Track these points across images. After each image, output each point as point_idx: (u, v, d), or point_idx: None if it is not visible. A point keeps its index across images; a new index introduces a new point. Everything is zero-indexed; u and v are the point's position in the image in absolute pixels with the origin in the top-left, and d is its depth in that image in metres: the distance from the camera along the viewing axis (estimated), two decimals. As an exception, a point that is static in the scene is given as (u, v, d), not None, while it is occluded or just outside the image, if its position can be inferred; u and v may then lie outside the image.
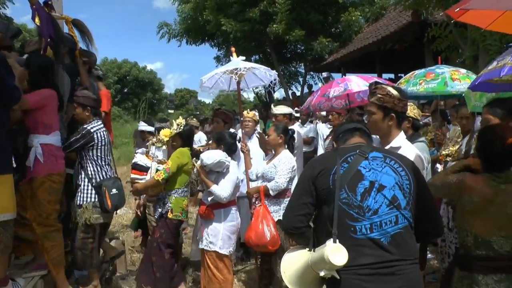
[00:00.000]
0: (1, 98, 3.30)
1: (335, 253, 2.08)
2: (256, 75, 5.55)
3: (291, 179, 4.63)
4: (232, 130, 5.76)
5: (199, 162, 4.49)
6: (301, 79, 23.85)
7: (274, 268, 4.68)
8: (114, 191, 4.29)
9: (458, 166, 2.87)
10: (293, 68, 23.24)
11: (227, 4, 16.25)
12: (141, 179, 4.72)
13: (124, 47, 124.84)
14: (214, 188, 4.32)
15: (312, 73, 20.88)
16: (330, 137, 5.95)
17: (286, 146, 4.82)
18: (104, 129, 4.52)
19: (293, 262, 2.42)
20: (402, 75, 16.21)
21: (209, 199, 4.38)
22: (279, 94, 26.41)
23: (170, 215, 4.50)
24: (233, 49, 5.65)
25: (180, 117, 5.23)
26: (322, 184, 2.29)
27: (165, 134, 4.84)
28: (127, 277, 5.56)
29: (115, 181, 4.40)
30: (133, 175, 4.78)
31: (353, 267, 2.12)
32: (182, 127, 4.83)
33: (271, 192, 4.54)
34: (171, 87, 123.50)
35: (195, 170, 4.65)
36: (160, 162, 4.76)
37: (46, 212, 3.78)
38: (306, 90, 18.63)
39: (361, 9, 16.47)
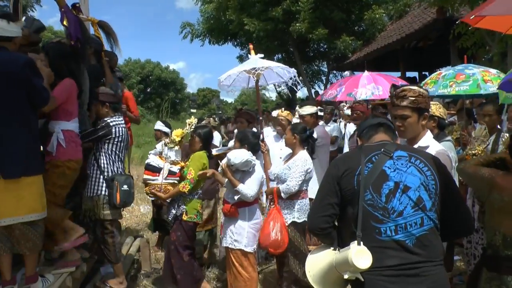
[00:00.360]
0: (30, 101, 3.38)
1: (359, 256, 2.06)
2: (275, 72, 5.53)
3: (304, 181, 4.59)
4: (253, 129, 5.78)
5: (224, 161, 4.49)
6: (323, 78, 23.84)
7: (293, 269, 4.68)
8: (125, 187, 4.34)
9: (493, 157, 2.78)
10: (315, 67, 23.23)
11: (250, 3, 16.28)
12: (153, 180, 4.71)
13: (147, 48, 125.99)
14: (241, 187, 4.31)
15: (335, 71, 20.79)
16: (355, 136, 5.90)
17: (304, 146, 4.78)
18: (123, 125, 4.59)
19: (317, 262, 2.40)
20: (427, 73, 16.03)
21: (236, 197, 4.39)
22: (301, 93, 26.45)
23: (184, 217, 4.54)
24: (251, 46, 5.62)
25: (192, 116, 5.21)
26: (347, 184, 2.26)
27: (177, 134, 4.85)
28: (152, 275, 5.61)
29: (128, 178, 4.46)
30: (145, 176, 4.76)
31: (378, 269, 2.10)
32: (193, 127, 4.84)
33: (282, 194, 4.54)
34: (194, 87, 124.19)
35: (220, 169, 4.65)
36: (173, 163, 4.77)
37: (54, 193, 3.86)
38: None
39: (384, 7, 16.29)
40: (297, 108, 6.81)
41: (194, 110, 39.88)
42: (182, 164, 4.80)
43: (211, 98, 52.03)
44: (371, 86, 6.61)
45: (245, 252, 4.36)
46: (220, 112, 34.87)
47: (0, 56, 3.33)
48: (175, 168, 4.75)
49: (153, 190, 4.66)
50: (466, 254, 4.54)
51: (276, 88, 26.47)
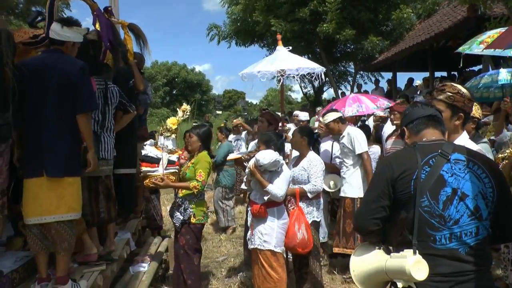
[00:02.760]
0: (77, 105, 3.46)
1: (417, 267, 2.02)
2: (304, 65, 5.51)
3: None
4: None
5: (251, 162, 4.49)
6: (350, 79, 23.64)
7: (314, 270, 4.69)
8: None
9: None
10: (342, 68, 23.05)
11: (277, 4, 16.27)
12: (153, 171, 4.64)
13: (174, 50, 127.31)
14: (270, 187, 4.31)
15: (361, 72, 20.61)
16: (394, 137, 5.80)
17: (311, 148, 4.88)
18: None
19: (364, 263, 2.35)
20: (456, 73, 15.75)
21: (266, 198, 4.38)
22: (327, 94, 26.26)
23: (193, 220, 4.54)
24: (279, 36, 5.53)
25: (184, 103, 5.16)
26: (402, 188, 2.18)
27: (172, 122, 4.84)
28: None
29: None
30: (144, 168, 4.68)
31: (429, 275, 2.05)
32: (187, 114, 4.82)
33: (309, 194, 4.64)
34: (219, 89, 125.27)
35: (246, 170, 4.65)
36: (170, 151, 4.74)
37: None
38: (356, 89, 18.38)
39: (412, 6, 16.04)
40: (320, 119, 6.76)
41: (219, 112, 40.02)
42: (180, 152, 4.79)
43: (236, 100, 52.21)
44: (356, 105, 7.55)
45: (275, 253, 4.36)
46: (246, 113, 34.93)
47: (58, 58, 3.50)
48: (174, 157, 4.75)
49: (155, 181, 4.62)
50: (503, 259, 4.43)
51: (302, 89, 26.50)
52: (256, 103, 52.54)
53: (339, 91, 19.70)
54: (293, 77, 5.17)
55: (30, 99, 3.39)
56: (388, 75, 17.67)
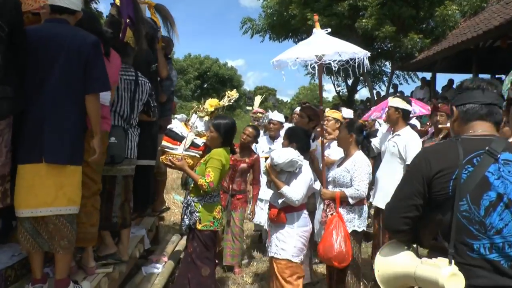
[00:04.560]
0: (87, 84, 3.06)
1: (452, 280, 1.82)
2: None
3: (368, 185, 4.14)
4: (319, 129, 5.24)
5: (268, 161, 4.01)
6: (385, 79, 22.81)
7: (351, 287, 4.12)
8: (112, 139, 3.76)
9: None
10: (377, 67, 22.26)
11: (314, -1, 15.72)
12: (172, 149, 4.13)
13: (208, 45, 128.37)
14: (285, 189, 3.85)
15: (397, 72, 19.76)
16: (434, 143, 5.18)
17: (360, 147, 4.28)
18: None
19: (391, 265, 2.18)
20: (502, 76, 14.83)
21: (280, 201, 3.91)
22: (358, 95, 25.44)
23: (198, 226, 3.93)
24: (316, 17, 4.91)
25: (234, 90, 4.59)
26: (439, 188, 1.96)
27: (211, 104, 4.27)
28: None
29: (117, 129, 3.84)
30: (164, 143, 4.18)
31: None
32: (232, 100, 4.31)
33: (350, 200, 4.04)
34: (251, 85, 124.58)
35: (263, 169, 4.15)
36: (198, 134, 4.20)
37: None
38: (391, 90, 17.65)
39: (457, 2, 15.16)
40: (389, 98, 6.14)
41: (250, 108, 39.58)
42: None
43: (267, 97, 51.83)
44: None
45: (292, 263, 3.90)
46: (276, 110, 34.43)
47: (67, 30, 3.03)
48: (200, 141, 4.21)
49: (171, 159, 4.07)
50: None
51: (335, 87, 25.78)
52: (287, 100, 52.18)
53: (374, 91, 18.96)
54: (334, 65, 4.55)
55: (33, 73, 2.96)
56: (427, 75, 16.81)
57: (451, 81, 15.12)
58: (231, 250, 5.52)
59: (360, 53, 4.53)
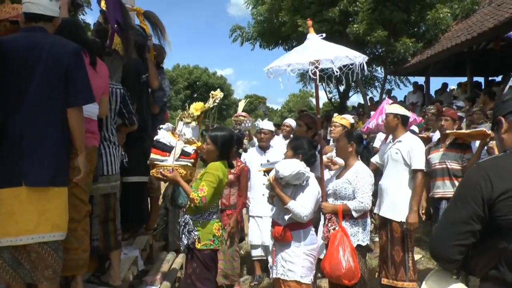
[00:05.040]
0: (68, 97, 2.78)
1: None
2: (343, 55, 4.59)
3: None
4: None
5: (272, 173, 3.72)
6: (377, 84, 22.66)
7: None
8: None
9: None
10: (369, 73, 22.11)
11: (304, 4, 15.53)
12: (162, 161, 3.86)
13: (197, 54, 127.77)
14: (292, 204, 3.55)
15: (389, 77, 19.60)
16: (442, 149, 4.91)
17: (359, 157, 4.08)
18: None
19: None
20: (496, 78, 14.73)
21: (286, 217, 3.61)
22: (349, 102, 25.23)
23: (198, 246, 3.63)
24: (310, 22, 4.66)
25: (218, 89, 4.29)
26: (505, 212, 1.67)
27: (196, 108, 3.98)
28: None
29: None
30: (153, 155, 3.91)
31: None
32: (217, 101, 4.02)
33: (354, 213, 3.84)
34: (241, 93, 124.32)
35: (266, 183, 3.86)
36: (187, 141, 3.92)
37: None
38: (384, 95, 17.47)
39: (449, 6, 15.03)
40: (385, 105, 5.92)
41: (241, 117, 39.47)
42: (199, 144, 3.98)
43: (257, 105, 51.90)
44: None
45: (301, 284, 3.60)
46: (267, 118, 34.28)
47: (45, 39, 2.75)
48: (190, 148, 3.92)
49: (162, 172, 3.76)
50: None
51: (326, 94, 25.59)
52: (277, 108, 52.20)
53: (367, 97, 18.79)
54: (332, 71, 4.30)
55: (9, 87, 2.67)
56: (420, 79, 16.63)
57: (445, 85, 15.01)
58: (222, 271, 5.18)
59: (358, 58, 4.30)
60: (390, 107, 4.81)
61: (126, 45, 3.80)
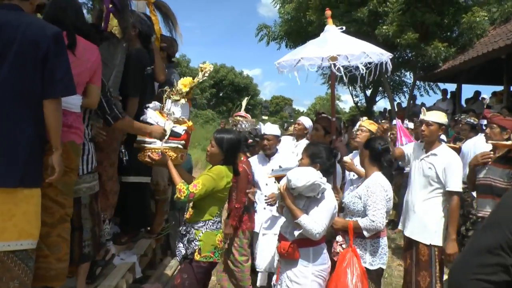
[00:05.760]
0: (45, 87, 2.42)
1: None
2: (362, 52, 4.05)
3: (386, 213, 3.47)
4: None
5: (282, 182, 3.30)
6: (405, 89, 21.95)
7: None
8: None
9: None
10: (397, 77, 21.45)
11: (333, 4, 15.01)
12: (150, 143, 3.49)
13: (226, 54, 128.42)
14: (304, 219, 3.12)
15: (418, 83, 18.86)
16: (490, 163, 4.21)
17: (380, 168, 3.59)
18: None
19: None
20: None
21: (296, 233, 3.18)
22: (376, 107, 24.57)
23: (197, 257, 3.32)
24: (328, 12, 4.24)
25: (207, 62, 3.76)
26: None
27: (184, 83, 3.53)
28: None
29: None
30: (140, 137, 3.55)
31: None
32: (206, 75, 3.60)
33: (365, 232, 3.39)
34: (267, 94, 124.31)
35: (276, 191, 3.44)
36: (177, 121, 3.56)
37: None
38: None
39: (486, 9, 14.30)
40: (423, 110, 5.37)
41: (265, 117, 39.22)
42: (189, 124, 3.58)
43: (283, 106, 51.56)
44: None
45: None
46: (292, 120, 33.83)
47: (20, 19, 2.37)
48: (180, 129, 3.54)
49: (150, 154, 3.41)
50: None
51: (353, 98, 24.99)
52: (303, 110, 51.74)
53: (395, 102, 18.17)
54: (354, 69, 3.89)
55: None
56: (451, 86, 15.98)
57: (477, 93, 14.28)
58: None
59: (382, 56, 3.88)
60: (431, 114, 4.08)
61: (123, 26, 3.42)
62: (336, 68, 3.76)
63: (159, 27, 4.73)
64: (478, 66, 13.40)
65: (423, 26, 14.27)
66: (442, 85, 18.30)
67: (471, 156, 4.94)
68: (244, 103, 5.12)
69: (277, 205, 3.56)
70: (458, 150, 6.49)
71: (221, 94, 48.57)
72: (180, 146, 3.55)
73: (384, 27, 13.71)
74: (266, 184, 4.48)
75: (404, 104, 18.11)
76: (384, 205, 3.39)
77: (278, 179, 3.59)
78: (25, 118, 2.37)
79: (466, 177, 4.52)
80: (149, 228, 4.91)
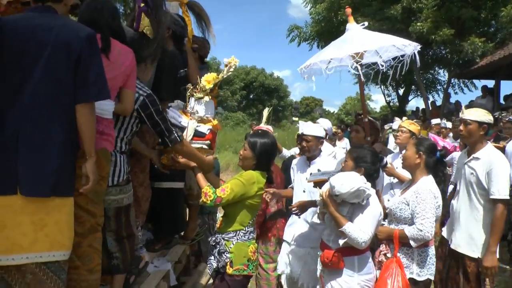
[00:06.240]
0: (78, 92, 2.34)
1: None
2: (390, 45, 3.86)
3: (435, 222, 3.24)
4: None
5: (325, 188, 3.14)
6: (439, 87, 21.38)
7: None
8: None
9: None
10: (430, 76, 20.94)
11: (365, 2, 14.76)
12: None
13: (255, 55, 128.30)
14: (349, 227, 2.96)
15: (452, 80, 18.29)
16: None
17: (430, 172, 3.38)
18: None
19: None
20: None
21: (341, 242, 3.02)
22: (407, 106, 24.03)
23: (229, 271, 3.11)
24: (348, 10, 4.07)
25: (233, 56, 3.44)
26: None
27: (207, 79, 3.33)
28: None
29: None
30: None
31: None
32: (231, 69, 3.36)
33: (412, 242, 3.19)
34: (297, 95, 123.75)
35: (318, 198, 3.26)
36: (201, 120, 3.37)
37: None
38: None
39: (527, 1, 13.74)
40: (463, 109, 5.10)
41: (296, 118, 38.99)
42: (214, 122, 3.39)
43: (313, 107, 51.27)
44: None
45: None
46: (322, 122, 33.56)
47: (53, 21, 2.30)
48: (204, 128, 3.37)
49: (173, 156, 3.21)
50: None
51: (385, 97, 24.52)
52: (334, 111, 51.27)
53: (429, 101, 17.69)
54: (379, 65, 3.70)
55: (7, 77, 2.26)
56: (490, 82, 15.36)
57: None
58: None
59: (409, 47, 3.71)
60: (469, 112, 3.70)
61: (156, 27, 3.29)
62: (360, 66, 3.61)
63: (192, 28, 4.64)
64: (518, 61, 12.88)
65: (459, 22, 13.86)
66: (477, 82, 17.78)
67: None
68: (265, 114, 4.78)
69: (317, 211, 3.38)
70: (502, 150, 6.19)
71: (251, 96, 48.58)
72: (205, 146, 3.38)
73: (418, 23, 13.38)
74: (303, 191, 4.17)
75: (439, 103, 17.62)
76: (433, 214, 3.18)
77: (318, 184, 3.44)
78: (57, 124, 2.29)
79: None
80: (182, 234, 4.82)
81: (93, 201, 2.60)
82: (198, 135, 3.36)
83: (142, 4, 3.18)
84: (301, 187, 4.19)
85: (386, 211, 3.47)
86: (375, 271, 3.21)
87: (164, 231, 4.30)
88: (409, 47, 3.81)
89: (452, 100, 16.61)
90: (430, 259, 3.31)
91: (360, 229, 2.96)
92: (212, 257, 3.24)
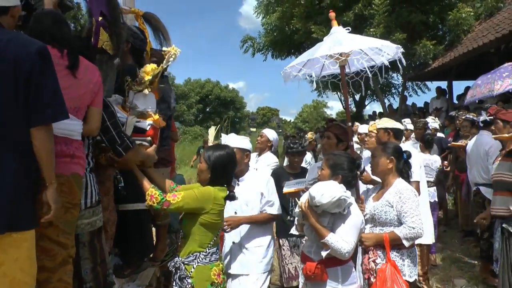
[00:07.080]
0: (30, 113, 2.11)
1: None
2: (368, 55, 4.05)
3: None
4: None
5: (304, 199, 3.02)
6: (394, 91, 21.90)
7: None
8: None
9: None
10: (385, 80, 21.39)
11: (317, 10, 14.88)
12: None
13: (210, 68, 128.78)
14: (332, 239, 2.87)
15: (408, 83, 18.78)
16: (499, 158, 4.19)
17: (399, 175, 3.39)
18: None
19: None
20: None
21: (324, 253, 2.91)
22: (364, 110, 24.51)
23: None
24: (332, 14, 4.05)
25: (173, 45, 3.37)
26: None
27: (146, 71, 3.12)
28: None
29: None
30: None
31: None
32: (171, 59, 3.24)
33: (405, 242, 3.16)
34: (253, 106, 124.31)
35: (296, 209, 3.13)
36: (141, 115, 3.15)
37: None
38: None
39: (470, 5, 14.25)
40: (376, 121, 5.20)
41: (253, 129, 39.17)
42: (156, 117, 3.16)
43: (270, 117, 51.75)
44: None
45: None
46: (280, 130, 33.81)
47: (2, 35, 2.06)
48: (145, 124, 3.15)
49: (110, 155, 2.99)
50: None
51: (342, 103, 24.82)
52: (291, 120, 51.84)
53: (386, 104, 18.03)
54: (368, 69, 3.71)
55: None
56: (443, 83, 15.83)
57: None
58: None
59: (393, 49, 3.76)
60: (380, 122, 4.10)
61: (115, 42, 3.07)
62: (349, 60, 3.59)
63: (149, 40, 4.45)
64: (467, 62, 13.32)
65: (410, 26, 14.19)
66: (430, 84, 18.29)
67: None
68: (211, 132, 4.55)
69: (296, 223, 3.25)
70: (463, 148, 6.30)
71: (208, 109, 48.50)
72: (145, 143, 3.16)
73: (371, 29, 13.59)
74: (235, 212, 3.98)
75: (395, 105, 18.02)
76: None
77: (293, 195, 3.31)
78: (9, 150, 2.05)
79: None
80: (151, 256, 4.58)
81: (65, 231, 2.36)
82: (138, 131, 3.13)
83: (100, 18, 2.95)
84: (232, 209, 4.00)
85: (366, 217, 3.39)
86: (359, 280, 3.14)
87: (132, 255, 4.05)
88: (393, 49, 3.86)
89: (408, 102, 17.06)
90: (416, 259, 3.32)
91: (343, 239, 2.89)
92: (174, 284, 3.01)
